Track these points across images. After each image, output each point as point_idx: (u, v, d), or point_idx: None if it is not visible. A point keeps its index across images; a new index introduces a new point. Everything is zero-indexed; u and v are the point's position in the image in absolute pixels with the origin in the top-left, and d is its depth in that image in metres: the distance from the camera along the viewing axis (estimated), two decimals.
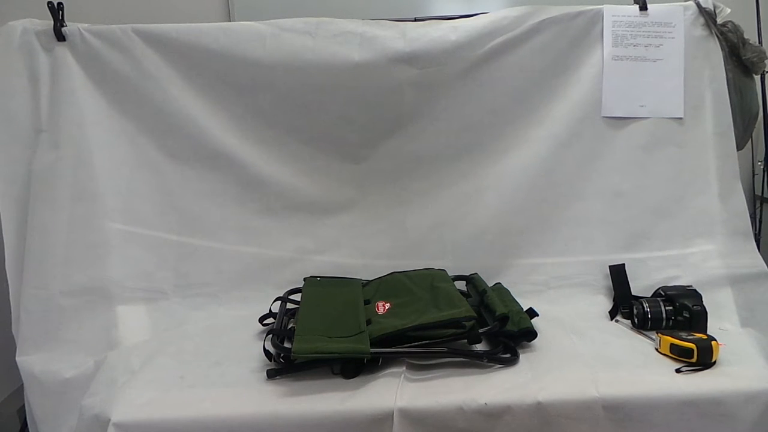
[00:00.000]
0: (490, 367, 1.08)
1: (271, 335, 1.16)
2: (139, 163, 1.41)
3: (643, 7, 1.39)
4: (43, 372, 1.25)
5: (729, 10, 1.38)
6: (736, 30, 1.38)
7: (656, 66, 1.39)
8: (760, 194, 1.63)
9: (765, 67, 1.40)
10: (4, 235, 1.32)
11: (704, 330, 1.16)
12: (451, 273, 1.39)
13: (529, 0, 1.39)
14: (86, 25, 1.33)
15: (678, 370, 1.03)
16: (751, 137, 1.47)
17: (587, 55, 1.40)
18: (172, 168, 1.43)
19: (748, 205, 1.36)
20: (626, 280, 1.34)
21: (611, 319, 1.31)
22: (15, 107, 1.31)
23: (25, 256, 1.31)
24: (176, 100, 1.38)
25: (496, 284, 1.38)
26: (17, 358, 1.28)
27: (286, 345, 1.10)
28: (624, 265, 1.36)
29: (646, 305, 1.22)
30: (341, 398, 1.00)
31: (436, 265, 1.45)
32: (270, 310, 1.33)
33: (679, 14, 1.39)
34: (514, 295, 1.30)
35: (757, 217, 1.60)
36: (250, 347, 1.19)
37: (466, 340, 1.10)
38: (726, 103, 1.37)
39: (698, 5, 1.38)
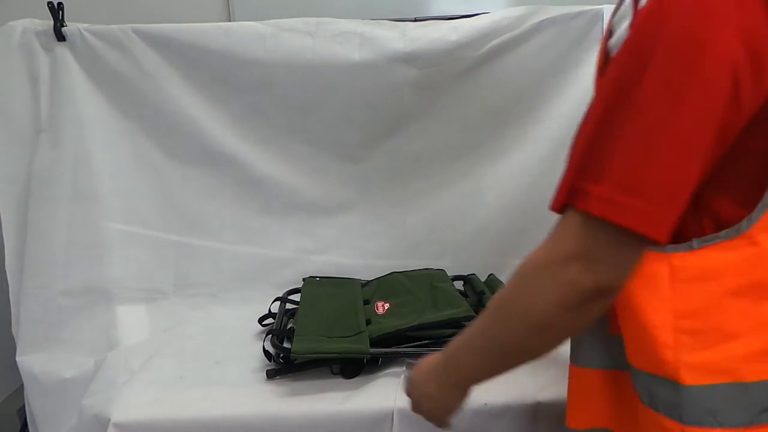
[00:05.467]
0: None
1: (270, 335, 1.16)
2: (139, 163, 1.41)
3: None
4: (43, 372, 1.25)
5: None
6: None
7: None
8: None
9: None
10: (4, 235, 1.32)
11: None
12: (450, 273, 1.40)
13: (529, 0, 1.39)
14: (86, 25, 1.33)
15: None
16: None
17: (587, 55, 1.40)
18: (172, 168, 1.43)
19: None
20: None
21: None
22: (15, 107, 1.31)
23: (25, 256, 1.31)
24: (176, 100, 1.38)
25: (489, 275, 1.37)
26: (17, 358, 1.28)
27: (286, 345, 1.10)
28: None
29: None
30: (341, 398, 1.00)
31: (436, 265, 1.45)
32: (269, 310, 1.33)
33: None
34: None
35: None
36: (250, 347, 1.19)
37: None
38: None
39: None
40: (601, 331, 0.66)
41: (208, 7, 1.53)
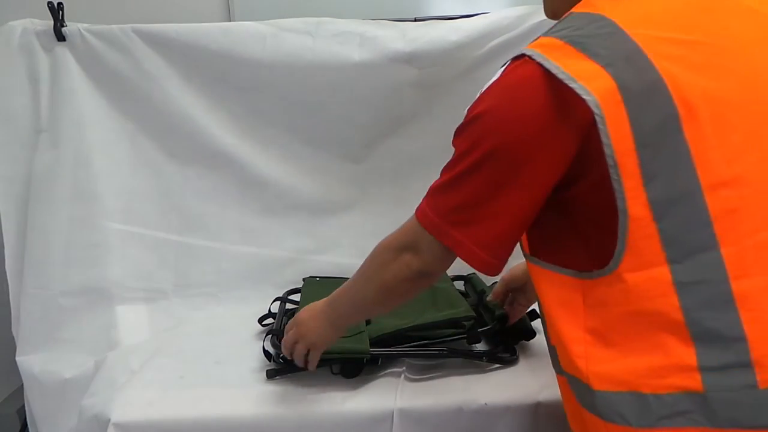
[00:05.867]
0: (490, 367, 1.08)
1: (270, 335, 1.16)
2: (139, 163, 1.41)
3: None
4: (43, 372, 1.25)
5: None
6: None
7: None
8: None
9: None
10: (4, 235, 1.32)
11: None
12: (450, 273, 1.39)
13: (529, 0, 1.39)
14: (86, 25, 1.33)
15: None
16: None
17: None
18: (172, 168, 1.43)
19: None
20: None
21: None
22: (15, 107, 1.31)
23: (25, 256, 1.31)
24: (176, 100, 1.38)
25: (494, 283, 1.38)
26: (17, 358, 1.28)
27: None
28: None
29: None
30: (341, 398, 1.00)
31: None
32: (269, 310, 1.32)
33: None
34: None
35: None
36: (250, 347, 1.19)
37: (465, 340, 1.10)
38: None
39: None
40: (547, 342, 0.78)
41: (208, 7, 1.53)
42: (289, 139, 1.45)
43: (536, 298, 1.05)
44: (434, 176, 1.57)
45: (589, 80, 0.62)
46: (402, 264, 0.78)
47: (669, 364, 0.62)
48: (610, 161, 0.62)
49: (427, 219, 0.74)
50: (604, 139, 0.61)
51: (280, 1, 1.52)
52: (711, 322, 0.61)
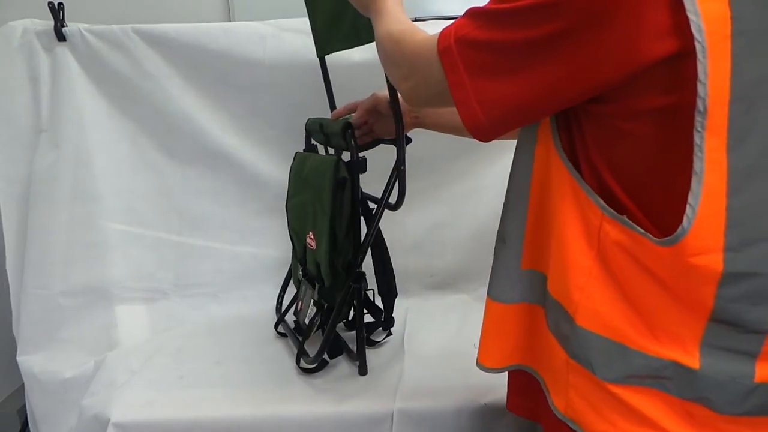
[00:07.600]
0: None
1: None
2: (139, 163, 1.41)
3: None
4: (43, 372, 1.25)
5: None
6: None
7: None
8: None
9: None
10: (4, 235, 1.32)
11: None
12: (450, 273, 1.40)
13: None
14: (86, 25, 1.33)
15: None
16: None
17: None
18: (172, 168, 1.43)
19: None
20: None
21: None
22: (15, 107, 1.31)
23: (25, 256, 1.31)
24: (176, 100, 1.38)
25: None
26: (17, 358, 1.28)
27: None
28: None
29: None
30: (341, 398, 1.00)
31: (436, 264, 1.45)
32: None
33: None
34: None
35: None
36: (250, 347, 1.19)
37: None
38: None
39: None
40: (515, 267, 0.71)
41: (208, 7, 1.53)
42: (289, 139, 1.45)
43: (395, 134, 1.04)
44: (434, 176, 1.56)
45: None
46: (407, 88, 0.72)
47: (669, 345, 0.57)
48: (700, 106, 0.49)
49: (445, 42, 0.62)
50: (701, 76, 0.48)
51: (280, 1, 1.52)
52: (741, 315, 0.54)
